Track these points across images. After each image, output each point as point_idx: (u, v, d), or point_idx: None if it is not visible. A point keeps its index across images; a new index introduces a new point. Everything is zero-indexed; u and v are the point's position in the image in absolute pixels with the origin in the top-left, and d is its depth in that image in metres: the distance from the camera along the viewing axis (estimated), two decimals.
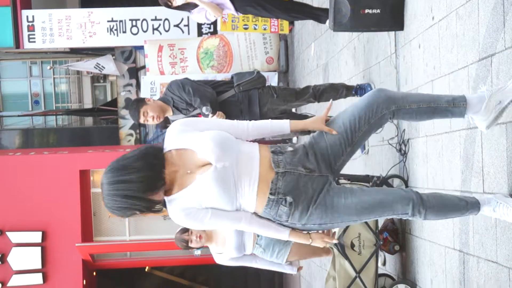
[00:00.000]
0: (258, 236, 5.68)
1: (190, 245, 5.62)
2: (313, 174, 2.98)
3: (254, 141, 3.12)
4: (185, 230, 5.65)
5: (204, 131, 2.96)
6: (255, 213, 2.97)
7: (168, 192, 2.90)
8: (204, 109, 5.52)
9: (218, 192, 2.85)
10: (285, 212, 2.93)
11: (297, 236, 3.06)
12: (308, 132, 3.19)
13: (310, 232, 3.11)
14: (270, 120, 3.12)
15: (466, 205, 3.13)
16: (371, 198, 3.00)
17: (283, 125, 3.08)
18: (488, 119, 3.15)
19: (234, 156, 2.89)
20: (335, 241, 3.28)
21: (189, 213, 2.90)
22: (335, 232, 3.30)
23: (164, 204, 2.92)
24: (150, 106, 5.67)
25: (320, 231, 3.15)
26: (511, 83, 3.12)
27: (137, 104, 5.71)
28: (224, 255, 5.70)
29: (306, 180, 2.96)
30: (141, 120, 5.70)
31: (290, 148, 3.02)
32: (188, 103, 5.67)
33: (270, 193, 2.91)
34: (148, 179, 2.78)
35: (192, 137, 2.93)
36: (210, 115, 5.50)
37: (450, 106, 3.13)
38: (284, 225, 3.00)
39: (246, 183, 2.89)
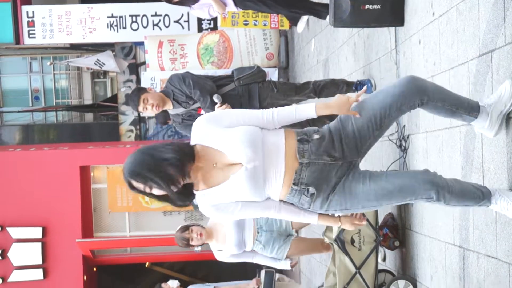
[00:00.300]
0: (258, 232, 5.69)
1: (191, 243, 5.63)
2: (338, 162, 2.99)
3: None
4: (185, 229, 5.66)
5: (231, 127, 2.96)
6: (281, 200, 3.01)
7: (195, 186, 2.95)
8: (215, 97, 5.54)
9: (250, 189, 2.90)
10: (307, 201, 2.98)
11: (327, 220, 3.12)
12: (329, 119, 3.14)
13: (340, 216, 3.16)
14: (295, 106, 3.08)
15: (482, 195, 3.13)
16: (391, 184, 2.98)
17: (309, 112, 3.02)
18: (493, 129, 3.23)
19: (261, 152, 2.92)
20: (364, 223, 3.27)
21: (218, 208, 2.99)
22: (362, 215, 3.29)
23: (182, 197, 2.93)
24: (150, 94, 5.68)
25: (349, 214, 3.19)
26: (505, 92, 3.17)
27: (138, 91, 5.73)
28: (225, 252, 5.70)
29: (330, 168, 2.98)
30: (140, 108, 5.67)
31: (316, 136, 3.00)
32: (188, 96, 5.67)
33: (293, 183, 2.94)
34: (179, 158, 2.82)
35: (219, 136, 2.95)
36: (219, 103, 5.51)
37: (466, 113, 3.19)
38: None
39: (273, 175, 2.93)
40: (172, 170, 2.82)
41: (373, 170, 3.12)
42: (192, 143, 2.98)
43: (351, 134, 3.02)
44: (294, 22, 8.83)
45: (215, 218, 3.02)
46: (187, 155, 2.88)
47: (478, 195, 3.11)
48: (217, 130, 2.96)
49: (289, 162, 2.93)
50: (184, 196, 2.93)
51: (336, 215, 3.15)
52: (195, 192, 2.96)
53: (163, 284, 7.24)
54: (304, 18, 8.54)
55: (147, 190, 2.85)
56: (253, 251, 5.77)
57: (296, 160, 2.94)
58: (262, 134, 2.97)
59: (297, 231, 6.10)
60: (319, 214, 3.07)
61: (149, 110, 5.68)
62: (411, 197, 3.02)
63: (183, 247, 5.78)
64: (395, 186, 2.98)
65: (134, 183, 2.85)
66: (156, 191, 2.85)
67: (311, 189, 2.95)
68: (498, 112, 3.19)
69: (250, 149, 2.88)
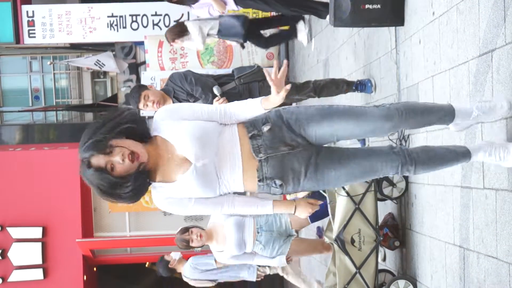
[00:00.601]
0: (258, 233, 5.69)
1: (191, 244, 5.63)
2: (296, 150, 2.97)
3: None
4: (185, 230, 5.66)
5: (187, 120, 2.93)
6: (239, 192, 3.00)
7: (152, 177, 2.92)
8: (215, 89, 5.54)
9: (200, 187, 2.89)
10: (278, 191, 2.98)
11: (281, 206, 3.13)
12: None
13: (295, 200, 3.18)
14: (245, 101, 3.04)
15: (456, 156, 3.17)
16: (360, 166, 3.03)
17: (256, 107, 2.99)
18: (461, 129, 3.37)
19: (214, 150, 2.88)
20: (320, 202, 3.30)
21: (171, 202, 2.97)
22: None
23: (136, 188, 2.84)
24: (151, 91, 5.68)
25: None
26: (498, 109, 3.19)
27: (138, 88, 5.72)
28: (225, 253, 5.69)
29: (291, 157, 2.96)
30: (141, 105, 5.66)
31: (266, 128, 2.96)
32: (189, 93, 5.66)
33: (259, 180, 2.94)
34: (135, 120, 2.87)
35: (173, 130, 2.90)
36: (218, 96, 5.50)
37: (437, 123, 3.27)
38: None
39: (229, 175, 2.91)
40: (131, 125, 2.83)
41: (341, 147, 3.14)
42: (153, 133, 2.94)
43: (309, 135, 3.01)
44: (292, 35, 8.74)
45: (168, 210, 3.03)
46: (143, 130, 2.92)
47: (452, 157, 3.17)
48: (172, 123, 2.92)
49: (246, 163, 2.91)
50: (140, 184, 2.84)
51: (289, 198, 3.18)
52: (151, 182, 2.93)
53: (165, 256, 7.27)
54: (302, 27, 8.48)
55: (109, 166, 2.74)
56: (253, 252, 5.76)
57: (253, 158, 2.92)
58: (219, 129, 2.95)
59: (297, 231, 6.10)
60: (274, 201, 3.08)
61: (149, 107, 5.67)
62: (378, 174, 3.10)
63: (184, 249, 5.78)
64: (365, 168, 3.03)
65: (94, 159, 2.74)
66: (119, 167, 2.74)
67: (278, 181, 2.94)
68: (478, 121, 3.24)
69: (198, 146, 2.84)
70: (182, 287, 8.69)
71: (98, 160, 2.74)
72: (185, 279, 7.16)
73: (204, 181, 2.86)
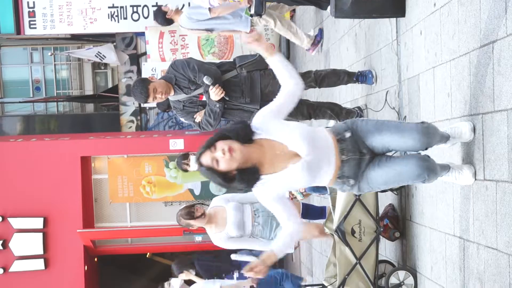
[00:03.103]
0: (255, 215, 5.80)
1: (195, 216, 5.69)
2: (365, 157, 3.52)
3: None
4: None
5: (282, 119, 3.43)
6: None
7: (261, 169, 3.33)
8: (204, 78, 5.49)
9: (306, 178, 3.39)
10: (348, 189, 3.58)
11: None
12: None
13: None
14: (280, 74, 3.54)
15: (445, 169, 3.72)
16: (392, 169, 3.51)
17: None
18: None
19: (317, 149, 3.37)
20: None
21: (269, 199, 3.46)
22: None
23: (245, 181, 3.31)
24: (157, 83, 5.59)
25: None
26: (463, 134, 3.74)
27: (143, 82, 5.60)
28: (223, 233, 5.73)
29: (361, 162, 3.51)
30: (150, 98, 5.55)
31: (348, 134, 3.50)
32: (191, 81, 5.62)
33: (338, 177, 3.49)
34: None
35: (281, 131, 3.36)
36: (211, 86, 5.47)
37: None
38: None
39: (325, 169, 3.43)
40: (240, 129, 3.32)
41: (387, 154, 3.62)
42: (256, 136, 3.36)
43: (369, 145, 3.54)
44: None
45: (265, 205, 3.53)
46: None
47: (445, 168, 3.72)
48: (276, 125, 3.38)
49: (337, 161, 3.44)
50: (247, 180, 3.30)
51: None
52: (261, 176, 3.33)
53: (162, 7, 7.43)
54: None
55: (214, 164, 3.21)
56: (251, 238, 5.84)
57: (339, 158, 3.45)
58: (315, 133, 3.44)
59: None
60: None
61: (157, 99, 5.60)
62: (408, 181, 3.61)
63: (187, 219, 5.72)
64: (395, 173, 3.51)
65: (203, 159, 3.23)
66: (223, 164, 3.19)
67: (352, 181, 3.51)
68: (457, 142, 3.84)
69: (307, 145, 3.33)
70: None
71: (206, 158, 3.24)
72: (182, 29, 7.36)
73: (310, 173, 3.37)
